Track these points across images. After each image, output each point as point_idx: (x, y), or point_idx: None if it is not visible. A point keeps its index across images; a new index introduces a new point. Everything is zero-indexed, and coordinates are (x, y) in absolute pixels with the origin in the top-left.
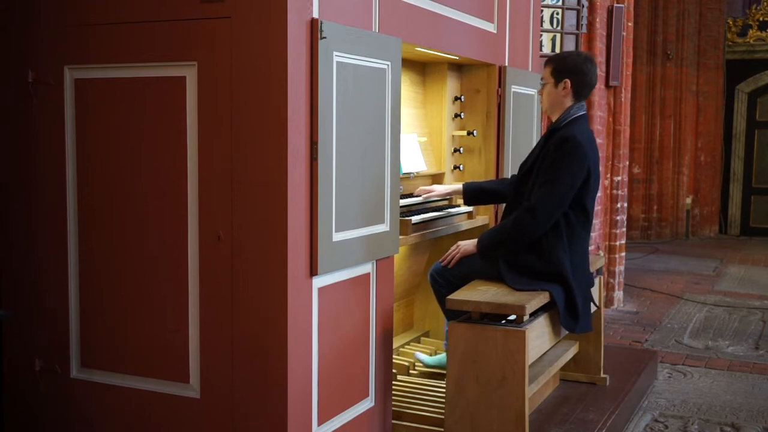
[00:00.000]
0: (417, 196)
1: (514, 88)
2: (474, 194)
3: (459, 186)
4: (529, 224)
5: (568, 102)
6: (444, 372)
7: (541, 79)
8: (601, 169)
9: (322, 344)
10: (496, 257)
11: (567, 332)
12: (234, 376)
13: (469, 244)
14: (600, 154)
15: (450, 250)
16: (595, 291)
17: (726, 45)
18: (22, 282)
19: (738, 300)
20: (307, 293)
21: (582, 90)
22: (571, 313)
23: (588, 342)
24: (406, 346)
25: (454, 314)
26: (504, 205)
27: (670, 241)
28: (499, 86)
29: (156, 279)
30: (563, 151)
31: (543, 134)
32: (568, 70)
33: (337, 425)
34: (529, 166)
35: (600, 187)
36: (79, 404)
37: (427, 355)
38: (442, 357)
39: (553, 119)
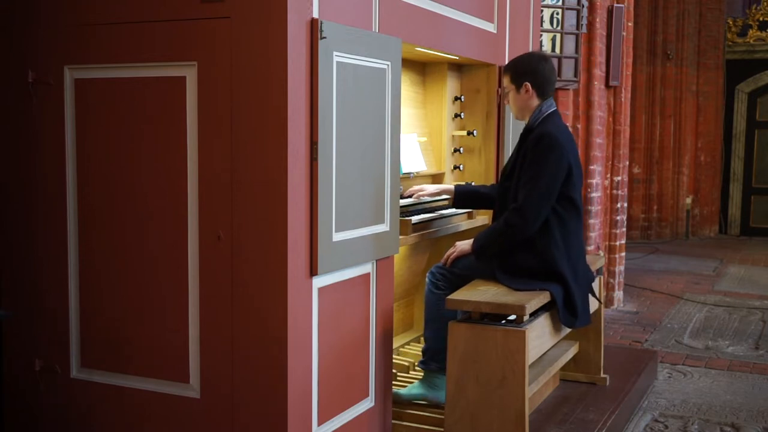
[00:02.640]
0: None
1: (503, 84)
2: (465, 197)
3: (450, 187)
4: (519, 224)
5: (535, 102)
6: (423, 402)
7: (504, 89)
8: (600, 168)
9: (322, 344)
10: (491, 258)
11: (567, 332)
12: (234, 376)
13: (465, 244)
14: (600, 154)
15: (448, 251)
16: (595, 288)
17: (726, 45)
18: (22, 282)
19: (738, 300)
20: (307, 293)
21: (543, 87)
22: (569, 309)
23: (588, 342)
24: (406, 346)
25: (446, 317)
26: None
27: (670, 241)
28: (499, 86)
29: (156, 279)
30: (540, 148)
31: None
32: (524, 72)
33: (337, 425)
34: (509, 170)
35: (600, 187)
36: (79, 404)
37: (402, 388)
38: (414, 387)
39: (526, 121)
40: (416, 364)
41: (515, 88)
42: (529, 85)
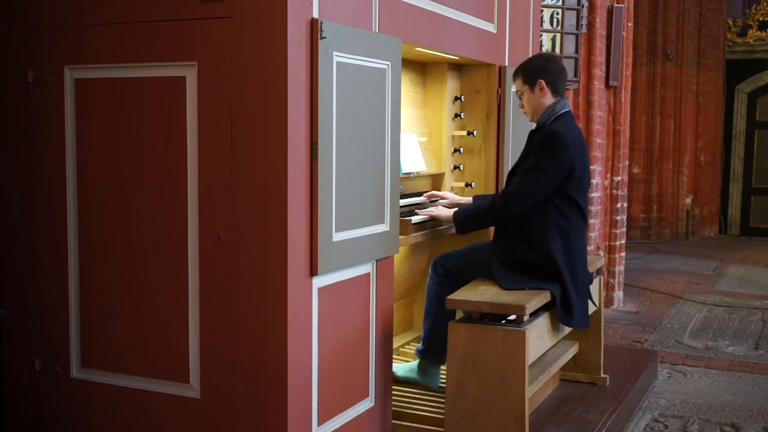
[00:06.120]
0: (417, 196)
1: (515, 88)
2: None
3: (469, 199)
4: (500, 206)
5: (549, 100)
6: (417, 383)
7: (517, 92)
8: (600, 168)
9: (322, 344)
10: (490, 255)
11: (567, 332)
12: (234, 376)
13: (446, 210)
14: (600, 154)
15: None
16: (594, 290)
17: (726, 45)
18: (22, 282)
19: (738, 300)
20: (307, 293)
21: (556, 84)
22: (565, 307)
23: (588, 342)
24: (406, 346)
25: (448, 314)
26: None
27: (670, 241)
28: (499, 86)
29: (156, 279)
30: (545, 144)
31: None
32: (537, 71)
33: (337, 425)
34: (515, 168)
35: (600, 187)
36: (79, 404)
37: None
38: (411, 371)
39: (539, 121)
40: (416, 350)
41: (529, 88)
42: (543, 82)
